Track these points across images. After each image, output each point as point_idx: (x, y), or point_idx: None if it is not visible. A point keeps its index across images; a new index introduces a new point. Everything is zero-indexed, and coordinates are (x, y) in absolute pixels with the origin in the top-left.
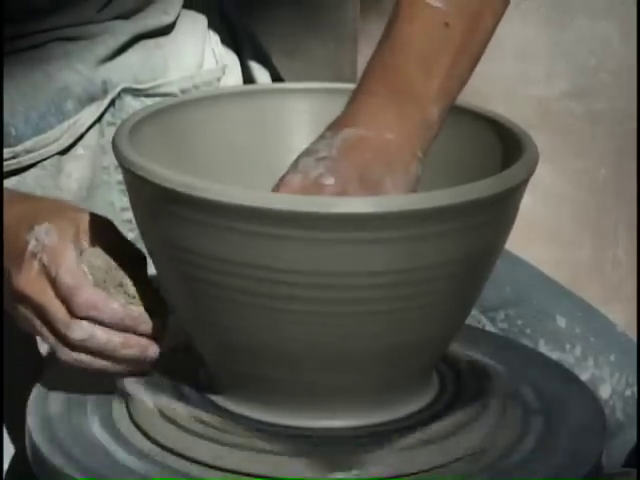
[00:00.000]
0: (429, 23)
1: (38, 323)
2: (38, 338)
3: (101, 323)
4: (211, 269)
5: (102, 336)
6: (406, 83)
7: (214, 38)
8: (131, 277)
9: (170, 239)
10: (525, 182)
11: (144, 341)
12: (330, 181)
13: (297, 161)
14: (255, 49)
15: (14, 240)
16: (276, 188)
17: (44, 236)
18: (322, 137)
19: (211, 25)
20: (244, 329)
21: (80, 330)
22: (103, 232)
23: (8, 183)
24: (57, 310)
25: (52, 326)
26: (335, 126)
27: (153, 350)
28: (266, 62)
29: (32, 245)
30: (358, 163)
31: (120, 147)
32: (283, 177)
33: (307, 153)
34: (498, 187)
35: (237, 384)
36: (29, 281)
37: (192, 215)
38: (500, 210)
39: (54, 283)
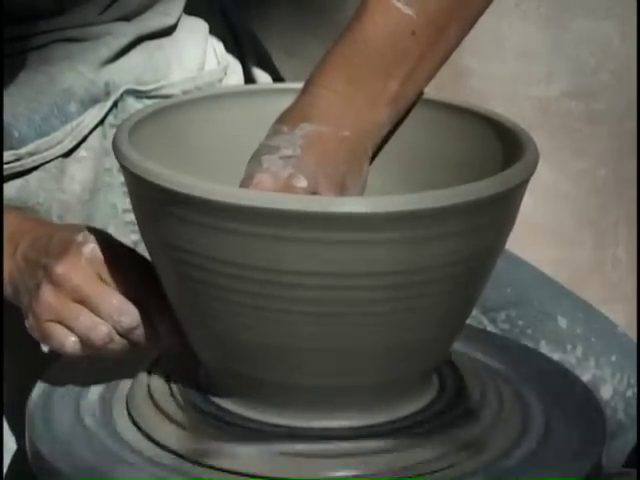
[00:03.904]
0: (397, 29)
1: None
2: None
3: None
4: (211, 269)
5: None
6: (364, 83)
7: (216, 38)
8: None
9: (170, 239)
10: (525, 182)
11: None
12: (303, 183)
13: (259, 158)
14: (256, 49)
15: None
16: (244, 187)
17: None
18: (279, 131)
19: (213, 26)
20: (243, 330)
21: (132, 316)
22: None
23: (11, 186)
24: (112, 295)
25: (100, 314)
26: (291, 120)
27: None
28: (267, 62)
29: (80, 237)
30: (322, 161)
31: (120, 147)
32: (250, 176)
33: (269, 150)
34: (498, 187)
35: (236, 385)
36: (75, 268)
37: (192, 215)
38: (501, 210)
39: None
